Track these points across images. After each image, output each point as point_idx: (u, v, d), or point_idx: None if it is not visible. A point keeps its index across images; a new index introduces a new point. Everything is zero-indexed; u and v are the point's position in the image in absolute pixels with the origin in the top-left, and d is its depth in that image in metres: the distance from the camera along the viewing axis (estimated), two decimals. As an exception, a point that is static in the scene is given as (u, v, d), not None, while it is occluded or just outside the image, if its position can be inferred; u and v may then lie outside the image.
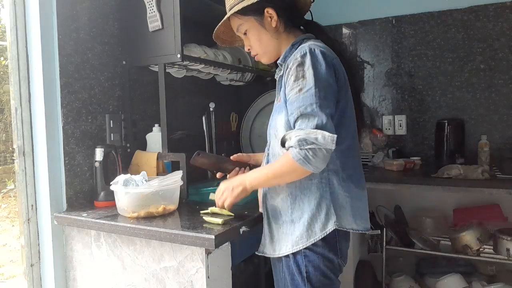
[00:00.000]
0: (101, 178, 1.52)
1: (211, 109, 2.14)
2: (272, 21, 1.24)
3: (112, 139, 1.68)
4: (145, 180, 1.40)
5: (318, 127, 1.07)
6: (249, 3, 1.20)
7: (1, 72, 3.81)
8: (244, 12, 1.24)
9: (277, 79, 1.33)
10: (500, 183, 1.95)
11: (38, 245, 1.52)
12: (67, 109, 1.51)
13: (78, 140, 1.56)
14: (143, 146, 1.77)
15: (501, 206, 2.34)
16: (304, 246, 1.18)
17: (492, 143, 2.40)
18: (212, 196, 1.37)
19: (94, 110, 1.63)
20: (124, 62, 1.72)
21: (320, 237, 1.17)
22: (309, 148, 1.06)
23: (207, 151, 2.08)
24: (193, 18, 1.92)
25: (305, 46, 1.17)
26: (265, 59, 1.33)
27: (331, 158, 1.16)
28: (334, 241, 1.21)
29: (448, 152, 2.42)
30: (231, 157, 1.42)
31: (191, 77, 2.08)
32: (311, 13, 1.36)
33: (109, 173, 1.54)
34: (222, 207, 1.29)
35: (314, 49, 1.15)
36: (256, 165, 1.41)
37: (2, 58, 3.76)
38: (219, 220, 1.25)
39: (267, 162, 1.30)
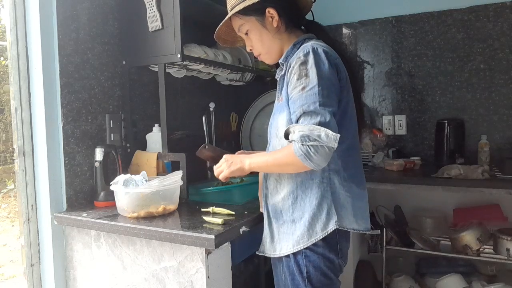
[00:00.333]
0: (101, 178, 1.52)
1: (211, 109, 2.14)
2: (273, 21, 1.25)
3: (112, 139, 1.67)
4: (145, 180, 1.40)
5: (321, 124, 1.07)
6: (250, 3, 1.20)
7: (1, 72, 3.81)
8: (245, 12, 1.24)
9: (278, 79, 1.33)
10: (500, 183, 1.95)
11: (38, 245, 1.52)
12: (67, 109, 1.51)
13: (78, 140, 1.56)
14: (143, 146, 1.77)
15: (501, 206, 2.34)
16: (305, 246, 1.19)
17: (492, 143, 2.40)
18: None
19: (94, 110, 1.63)
20: (124, 62, 1.72)
21: (321, 237, 1.17)
22: (311, 145, 1.06)
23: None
24: (193, 18, 1.92)
25: (308, 45, 1.17)
26: (268, 60, 1.33)
27: (333, 158, 1.16)
28: (334, 241, 1.21)
29: (448, 152, 2.43)
30: (236, 154, 1.42)
31: (191, 77, 2.08)
32: (312, 13, 1.36)
33: (109, 173, 1.54)
34: (218, 177, 1.31)
35: (317, 48, 1.15)
36: None
37: (2, 58, 3.76)
38: (219, 220, 1.25)
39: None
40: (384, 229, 2.31)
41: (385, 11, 2.70)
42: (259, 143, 2.32)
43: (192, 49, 1.82)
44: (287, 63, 1.23)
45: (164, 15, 1.57)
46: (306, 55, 1.14)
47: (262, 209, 1.34)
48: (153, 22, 1.59)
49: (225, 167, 1.27)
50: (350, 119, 1.24)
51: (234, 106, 2.46)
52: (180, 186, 1.45)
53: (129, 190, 1.34)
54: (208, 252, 1.19)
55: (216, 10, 1.86)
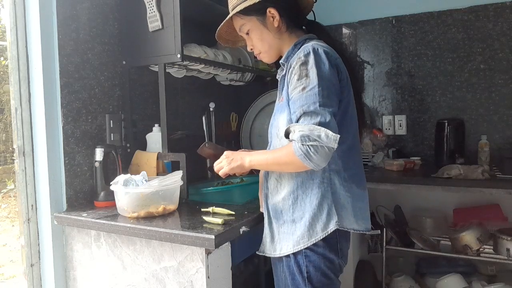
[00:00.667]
0: (101, 178, 1.52)
1: (211, 109, 2.14)
2: (274, 21, 1.25)
3: (112, 139, 1.67)
4: (145, 180, 1.40)
5: (321, 125, 1.08)
6: (251, 3, 1.21)
7: (1, 72, 3.81)
8: (247, 12, 1.24)
9: (278, 79, 1.33)
10: (500, 183, 1.95)
11: (38, 245, 1.52)
12: (67, 109, 1.51)
13: (78, 140, 1.56)
14: (143, 146, 1.77)
15: (501, 206, 2.34)
16: (305, 246, 1.19)
17: (492, 143, 2.40)
18: None
19: (94, 110, 1.63)
20: (124, 62, 1.72)
21: (322, 237, 1.17)
22: (311, 145, 1.06)
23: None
24: (193, 18, 1.92)
25: (308, 46, 1.17)
26: (267, 59, 1.33)
27: (333, 158, 1.17)
28: (335, 241, 1.21)
29: (448, 152, 2.42)
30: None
31: (191, 77, 2.08)
32: (313, 13, 1.37)
33: (109, 173, 1.54)
34: (218, 173, 1.31)
35: (317, 49, 1.15)
36: None
37: (2, 58, 3.76)
38: (219, 220, 1.25)
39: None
40: (384, 229, 2.31)
41: (385, 11, 2.70)
42: (259, 143, 2.32)
43: (192, 49, 1.81)
44: (288, 63, 1.23)
45: (164, 15, 1.56)
46: (307, 55, 1.14)
47: (262, 209, 1.34)
48: (153, 22, 1.59)
49: (225, 163, 1.28)
50: (351, 119, 1.24)
51: (234, 106, 2.46)
52: (180, 186, 1.45)
53: (129, 190, 1.34)
54: (208, 252, 1.19)
55: (216, 10, 1.86)
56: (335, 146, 1.07)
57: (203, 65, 1.83)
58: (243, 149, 1.46)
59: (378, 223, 2.38)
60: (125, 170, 1.64)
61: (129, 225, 1.27)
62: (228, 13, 1.29)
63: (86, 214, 1.40)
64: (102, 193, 1.52)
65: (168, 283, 1.26)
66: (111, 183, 1.39)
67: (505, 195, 1.96)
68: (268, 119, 1.36)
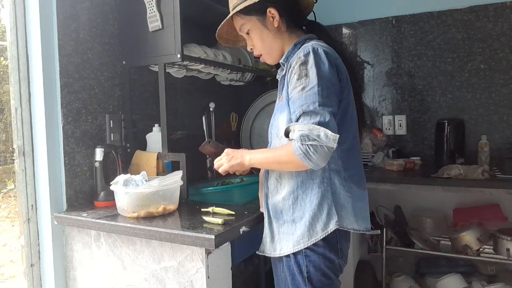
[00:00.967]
0: (101, 178, 1.52)
1: (211, 109, 2.14)
2: (274, 21, 1.25)
3: (112, 139, 1.67)
4: (145, 180, 1.40)
5: (320, 124, 1.08)
6: (251, 2, 1.21)
7: (1, 72, 3.81)
8: (247, 11, 1.24)
9: (279, 79, 1.33)
10: (500, 183, 1.95)
11: (38, 245, 1.52)
12: (67, 109, 1.51)
13: (78, 140, 1.55)
14: (143, 146, 1.77)
15: (501, 206, 2.34)
16: (305, 246, 1.19)
17: (492, 143, 2.40)
18: None
19: (94, 110, 1.63)
20: (124, 62, 1.72)
21: (322, 237, 1.18)
22: (311, 145, 1.06)
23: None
24: (193, 18, 1.92)
25: (308, 46, 1.17)
26: (269, 60, 1.33)
27: (333, 158, 1.17)
28: (335, 241, 1.21)
29: (448, 152, 2.42)
30: None
31: (191, 77, 2.08)
32: (314, 13, 1.37)
33: (109, 173, 1.54)
34: (217, 171, 1.32)
35: (317, 49, 1.15)
36: None
37: (2, 58, 3.76)
38: (219, 220, 1.25)
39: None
40: (384, 229, 2.31)
41: (385, 11, 2.70)
42: (259, 143, 2.32)
43: (192, 49, 1.82)
44: (288, 63, 1.23)
45: (164, 15, 1.56)
46: (307, 55, 1.14)
47: (262, 209, 1.34)
48: (153, 22, 1.59)
49: (225, 160, 1.29)
50: (351, 119, 1.24)
51: (234, 106, 2.46)
52: (180, 186, 1.45)
53: (129, 190, 1.34)
54: (208, 252, 1.19)
55: (216, 10, 1.86)
56: (335, 145, 1.08)
57: (203, 65, 1.83)
58: (243, 148, 1.47)
59: (378, 223, 2.38)
60: (125, 170, 1.64)
61: (129, 225, 1.27)
62: (229, 13, 1.29)
63: (86, 214, 1.40)
64: (102, 193, 1.52)
65: (168, 283, 1.26)
66: (111, 183, 1.39)
67: (505, 195, 1.96)
68: (268, 119, 1.36)
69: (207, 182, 1.93)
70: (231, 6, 1.29)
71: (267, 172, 1.31)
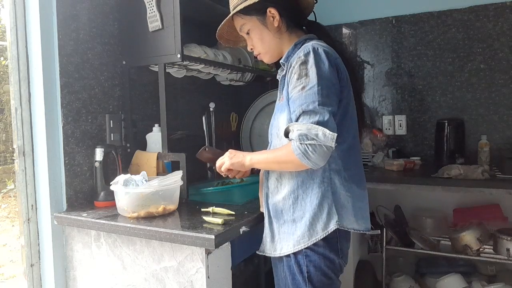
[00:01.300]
0: (101, 178, 1.52)
1: (211, 109, 2.14)
2: (274, 21, 1.25)
3: (112, 139, 1.67)
4: (145, 180, 1.40)
5: (319, 124, 1.08)
6: (251, 2, 1.21)
7: (1, 72, 3.81)
8: (247, 11, 1.25)
9: (279, 79, 1.33)
10: (500, 183, 1.95)
11: (38, 245, 1.52)
12: (67, 109, 1.51)
13: (78, 140, 1.55)
14: (143, 146, 1.77)
15: (501, 206, 2.34)
16: (306, 246, 1.19)
17: (492, 143, 2.40)
18: None
19: (94, 110, 1.63)
20: (124, 62, 1.72)
21: (322, 237, 1.18)
22: (309, 144, 1.07)
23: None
24: (193, 18, 1.92)
25: (309, 45, 1.17)
26: (267, 59, 1.34)
27: (333, 158, 1.17)
28: (335, 241, 1.21)
29: (448, 152, 2.42)
30: None
31: (191, 77, 2.08)
32: (314, 13, 1.37)
33: (109, 173, 1.54)
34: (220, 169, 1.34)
35: (317, 48, 1.15)
36: None
37: (2, 58, 3.76)
38: (219, 220, 1.25)
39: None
40: (384, 229, 2.31)
41: (385, 11, 2.70)
42: (259, 143, 2.32)
43: (192, 49, 1.82)
44: (288, 63, 1.23)
45: (164, 15, 1.56)
46: (307, 54, 1.15)
47: (263, 209, 1.34)
48: (153, 22, 1.59)
49: (227, 160, 1.31)
50: (351, 119, 1.24)
51: (234, 106, 2.46)
52: (180, 186, 1.45)
53: (129, 190, 1.34)
54: (208, 252, 1.19)
55: (216, 10, 1.86)
56: (333, 144, 1.08)
57: (203, 65, 1.83)
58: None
59: (378, 223, 2.38)
60: (125, 170, 1.64)
61: (129, 225, 1.27)
62: (229, 13, 1.29)
63: (86, 214, 1.40)
64: (102, 193, 1.52)
65: (168, 283, 1.26)
66: (111, 183, 1.39)
67: (505, 195, 1.96)
68: (268, 119, 1.36)
69: (207, 182, 1.93)
70: (231, 6, 1.29)
71: (268, 172, 1.31)
